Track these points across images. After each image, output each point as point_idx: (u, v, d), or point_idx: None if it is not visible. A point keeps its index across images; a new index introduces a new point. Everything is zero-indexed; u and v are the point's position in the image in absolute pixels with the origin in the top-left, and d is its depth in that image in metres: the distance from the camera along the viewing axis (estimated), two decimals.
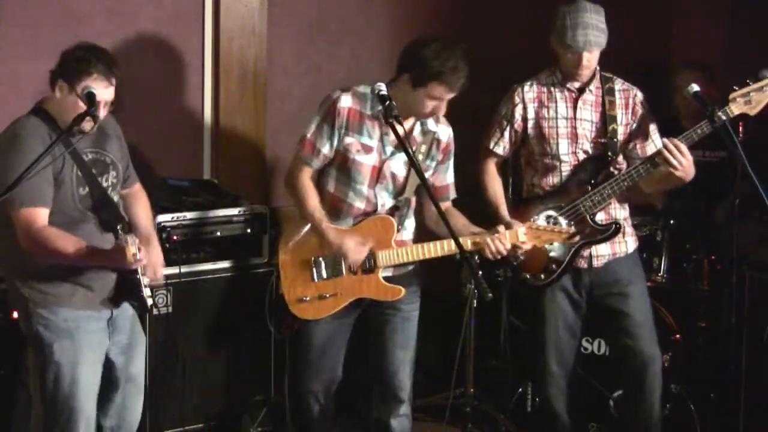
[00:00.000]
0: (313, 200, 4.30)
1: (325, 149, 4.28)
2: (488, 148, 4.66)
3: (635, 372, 4.59)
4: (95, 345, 4.05)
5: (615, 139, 4.52)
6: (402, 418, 4.46)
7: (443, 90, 4.14)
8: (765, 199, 3.96)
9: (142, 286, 4.04)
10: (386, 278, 4.35)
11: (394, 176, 4.33)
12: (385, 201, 4.35)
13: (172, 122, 5.28)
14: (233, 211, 4.95)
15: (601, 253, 4.57)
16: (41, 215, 3.88)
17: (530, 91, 4.59)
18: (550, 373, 4.65)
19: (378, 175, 4.31)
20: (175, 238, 4.75)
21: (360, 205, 4.33)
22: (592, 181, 4.51)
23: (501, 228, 4.29)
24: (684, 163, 4.31)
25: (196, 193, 5.04)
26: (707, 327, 5.32)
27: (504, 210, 4.57)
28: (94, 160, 4.05)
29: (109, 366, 4.12)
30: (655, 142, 4.54)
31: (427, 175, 4.31)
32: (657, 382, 4.60)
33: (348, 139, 4.26)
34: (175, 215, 4.80)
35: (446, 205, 4.42)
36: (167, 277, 4.72)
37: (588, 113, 4.55)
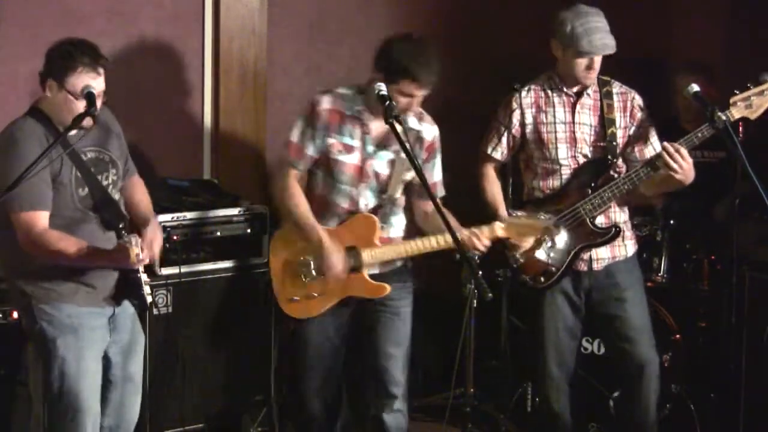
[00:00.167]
0: (303, 205, 4.34)
1: (310, 151, 4.32)
2: (486, 153, 4.66)
3: (632, 376, 4.60)
4: (97, 341, 4.06)
5: (614, 143, 4.52)
6: (396, 414, 4.46)
7: (414, 87, 4.17)
8: (765, 199, 3.96)
9: (143, 284, 4.06)
10: (373, 276, 4.37)
11: (377, 174, 4.35)
12: (368, 200, 4.37)
13: (172, 122, 5.28)
14: (233, 211, 4.95)
15: (601, 256, 4.56)
16: (41, 218, 3.88)
17: (527, 97, 4.58)
18: (551, 376, 4.65)
19: (361, 173, 4.33)
20: (175, 238, 4.75)
21: (345, 204, 4.35)
22: (592, 185, 4.50)
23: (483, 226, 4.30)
24: (684, 167, 4.31)
25: (196, 193, 5.04)
26: (707, 327, 5.33)
27: (503, 211, 4.57)
28: (94, 158, 4.04)
29: (106, 364, 4.12)
30: (654, 146, 4.53)
31: (410, 173, 4.32)
32: (653, 386, 4.60)
33: (329, 140, 4.31)
34: (175, 215, 4.79)
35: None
36: (167, 277, 4.73)
37: (586, 117, 4.54)
